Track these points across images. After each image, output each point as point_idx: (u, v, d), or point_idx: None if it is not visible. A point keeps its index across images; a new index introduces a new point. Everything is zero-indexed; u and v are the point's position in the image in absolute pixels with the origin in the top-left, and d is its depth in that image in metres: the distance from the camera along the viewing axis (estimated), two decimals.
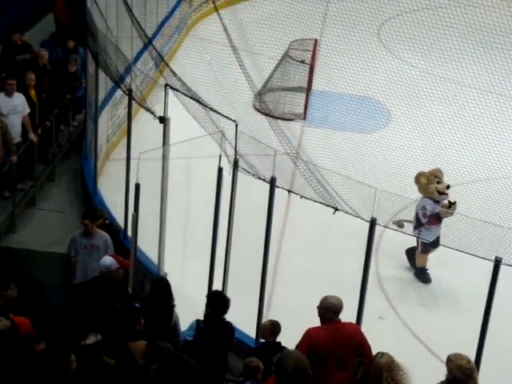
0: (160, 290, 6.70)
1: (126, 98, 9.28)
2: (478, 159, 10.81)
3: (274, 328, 6.58)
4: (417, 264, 9.25)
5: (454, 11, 11.96)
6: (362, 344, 5.99)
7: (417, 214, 8.90)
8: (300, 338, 5.92)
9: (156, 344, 4.97)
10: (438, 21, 11.11)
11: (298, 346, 5.91)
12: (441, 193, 8.85)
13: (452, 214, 8.31)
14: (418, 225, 8.90)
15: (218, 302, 6.57)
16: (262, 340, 6.82)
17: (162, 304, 6.61)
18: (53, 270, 8.51)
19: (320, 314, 5.93)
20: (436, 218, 8.80)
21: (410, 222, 8.86)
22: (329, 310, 5.86)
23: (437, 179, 8.86)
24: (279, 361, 4.46)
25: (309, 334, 5.88)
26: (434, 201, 8.89)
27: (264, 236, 7.46)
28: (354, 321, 6.63)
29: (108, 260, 7.08)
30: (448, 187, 8.83)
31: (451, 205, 8.60)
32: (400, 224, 8.47)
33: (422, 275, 9.23)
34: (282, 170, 7.48)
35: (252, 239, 8.09)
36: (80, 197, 10.37)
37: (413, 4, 14.78)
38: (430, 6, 13.23)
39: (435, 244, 8.86)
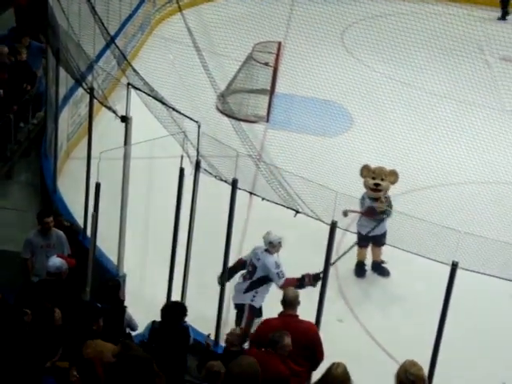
0: (108, 291, 6.67)
1: (88, 96, 9.19)
2: (437, 164, 10.96)
3: (243, 337, 6.50)
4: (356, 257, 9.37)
5: (415, 18, 12.15)
6: (315, 345, 6.09)
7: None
8: None
9: (129, 344, 4.98)
10: (400, 27, 11.22)
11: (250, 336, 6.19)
12: (370, 188, 9.01)
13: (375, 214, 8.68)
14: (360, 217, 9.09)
15: (170, 314, 6.52)
16: (224, 345, 6.76)
17: (111, 304, 6.58)
18: (7, 268, 8.36)
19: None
20: (370, 212, 8.94)
21: (356, 212, 8.97)
22: (284, 301, 6.25)
23: (373, 175, 9.02)
24: (229, 365, 4.46)
25: (260, 324, 6.22)
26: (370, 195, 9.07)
27: (225, 237, 7.46)
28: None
29: (58, 261, 6.94)
30: (376, 185, 8.95)
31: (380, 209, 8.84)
32: (345, 213, 8.53)
33: (378, 269, 9.37)
34: (244, 172, 7.48)
35: (213, 240, 8.07)
36: (39, 195, 10.23)
37: (376, 10, 15.00)
38: (393, 12, 13.41)
39: (366, 239, 9.01)
